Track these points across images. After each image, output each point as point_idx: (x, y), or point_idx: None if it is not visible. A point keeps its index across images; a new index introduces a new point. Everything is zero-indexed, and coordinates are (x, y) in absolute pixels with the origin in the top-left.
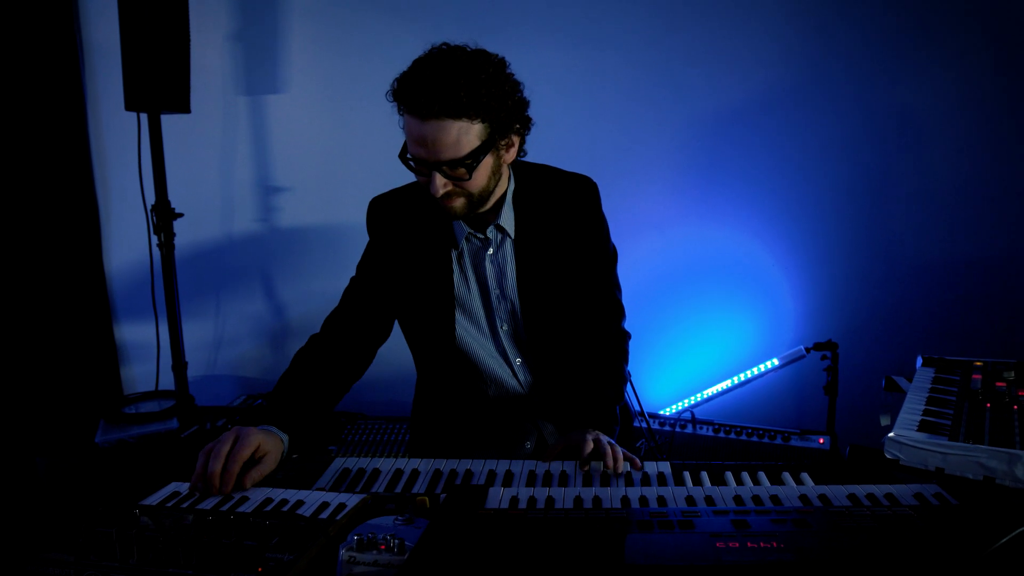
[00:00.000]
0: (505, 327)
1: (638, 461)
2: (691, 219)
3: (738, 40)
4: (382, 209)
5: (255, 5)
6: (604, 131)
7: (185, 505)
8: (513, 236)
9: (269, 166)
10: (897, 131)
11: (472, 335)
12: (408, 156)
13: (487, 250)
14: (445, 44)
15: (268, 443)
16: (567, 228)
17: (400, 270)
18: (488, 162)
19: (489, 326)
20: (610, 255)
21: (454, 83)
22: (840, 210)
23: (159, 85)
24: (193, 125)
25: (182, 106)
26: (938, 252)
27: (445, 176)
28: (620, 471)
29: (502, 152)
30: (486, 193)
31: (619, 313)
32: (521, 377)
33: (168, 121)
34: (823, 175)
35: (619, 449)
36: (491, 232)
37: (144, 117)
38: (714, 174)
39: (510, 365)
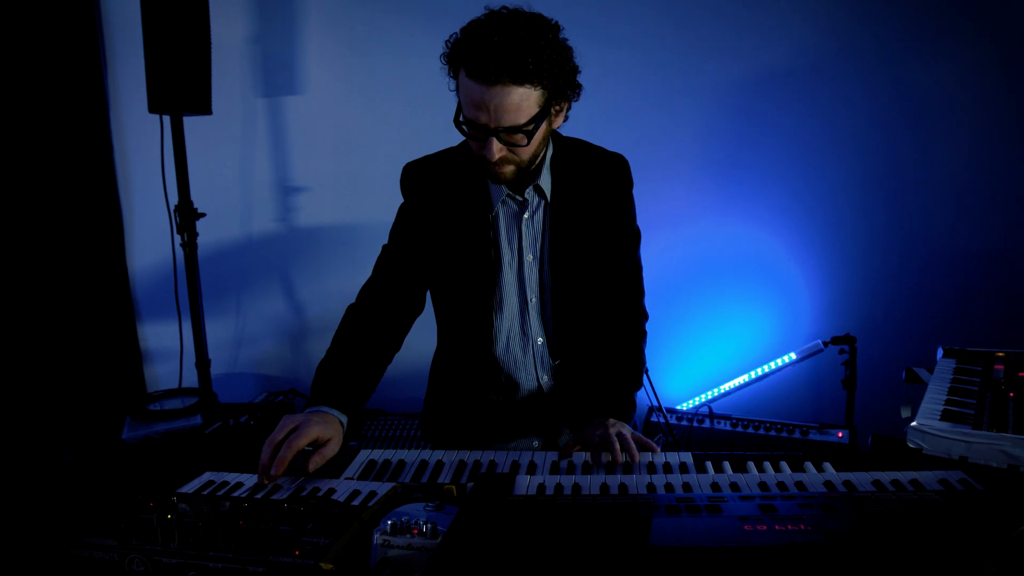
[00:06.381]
0: (535, 299)
1: (654, 445)
2: (706, 215)
3: (749, 37)
4: (417, 172)
5: (273, 8)
6: (616, 129)
7: (220, 493)
8: (549, 199)
9: (288, 166)
10: (909, 123)
11: (500, 305)
12: (462, 120)
13: (523, 213)
14: (505, 8)
15: (328, 430)
16: (599, 200)
17: (436, 233)
18: (543, 128)
19: (519, 295)
20: (635, 234)
21: (520, 48)
22: (855, 203)
23: (182, 87)
24: (213, 127)
25: (204, 108)
26: (954, 243)
27: (502, 142)
28: (636, 460)
29: (553, 118)
30: (535, 158)
31: (641, 293)
32: (539, 368)
33: (189, 123)
34: (837, 169)
35: (631, 441)
36: (529, 193)
37: (167, 119)
38: (728, 170)
39: (532, 347)
